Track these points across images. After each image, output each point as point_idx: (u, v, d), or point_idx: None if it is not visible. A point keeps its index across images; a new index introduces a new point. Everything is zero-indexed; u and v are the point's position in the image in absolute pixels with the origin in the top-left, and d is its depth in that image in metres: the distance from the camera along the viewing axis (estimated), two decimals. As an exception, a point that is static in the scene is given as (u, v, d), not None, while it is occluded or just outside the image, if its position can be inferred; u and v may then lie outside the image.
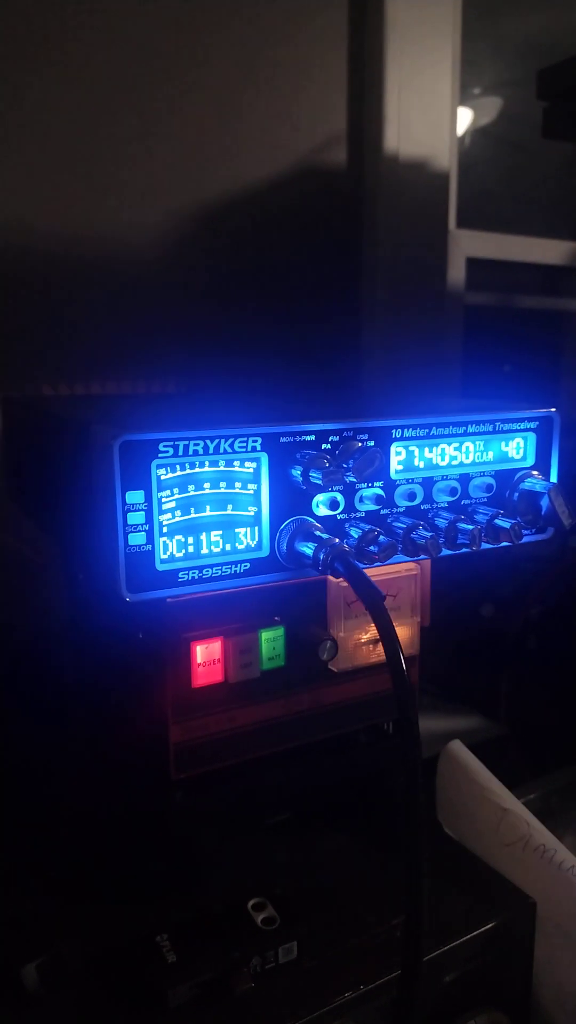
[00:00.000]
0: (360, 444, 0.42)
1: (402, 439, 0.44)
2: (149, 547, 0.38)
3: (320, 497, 0.42)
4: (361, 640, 0.48)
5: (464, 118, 1.06)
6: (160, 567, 0.39)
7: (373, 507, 0.44)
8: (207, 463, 0.39)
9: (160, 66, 0.76)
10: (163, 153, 0.77)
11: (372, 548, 0.41)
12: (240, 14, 0.79)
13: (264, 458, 0.40)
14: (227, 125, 0.80)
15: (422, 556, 0.44)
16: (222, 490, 0.40)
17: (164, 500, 0.38)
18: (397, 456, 0.44)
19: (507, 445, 0.48)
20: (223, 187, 0.81)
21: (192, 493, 0.39)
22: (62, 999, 0.41)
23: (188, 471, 0.39)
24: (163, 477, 0.38)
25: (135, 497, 0.37)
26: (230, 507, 0.40)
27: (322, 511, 0.42)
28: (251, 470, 0.40)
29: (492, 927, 0.46)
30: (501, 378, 1.09)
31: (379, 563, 0.42)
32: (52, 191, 0.72)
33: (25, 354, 0.73)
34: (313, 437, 0.41)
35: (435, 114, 0.91)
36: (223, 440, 0.39)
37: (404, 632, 0.50)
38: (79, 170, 0.73)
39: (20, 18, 0.69)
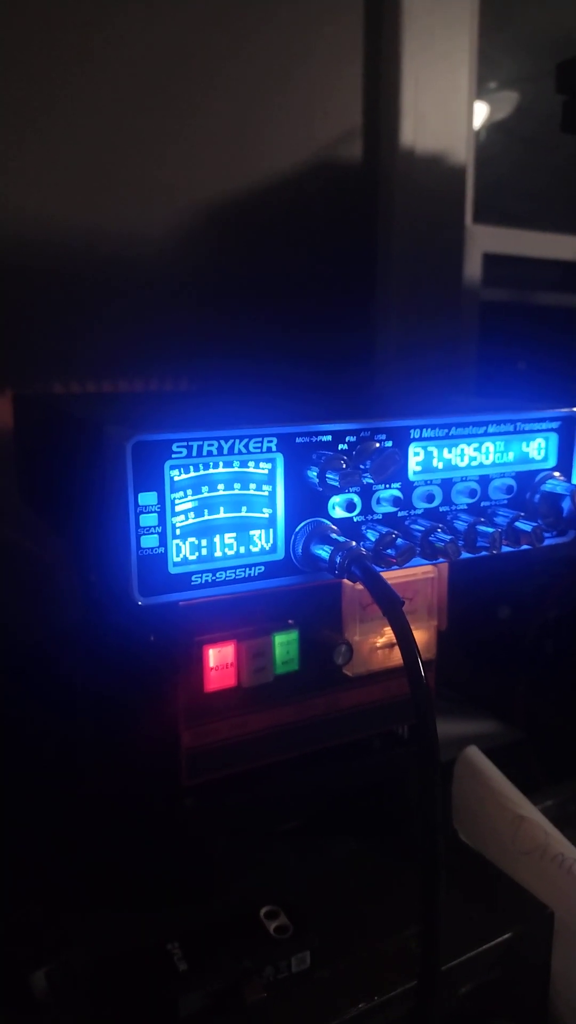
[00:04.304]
0: (378, 445, 0.41)
1: (420, 439, 0.43)
2: (162, 549, 0.37)
3: (336, 499, 0.41)
4: (376, 644, 0.47)
5: (480, 113, 1.05)
6: (173, 570, 0.38)
7: (391, 509, 0.43)
8: (221, 464, 0.38)
9: (176, 62, 0.75)
10: (178, 150, 0.76)
11: (390, 551, 0.41)
12: (256, 9, 0.78)
13: (279, 459, 0.40)
14: (242, 121, 0.79)
15: (440, 559, 0.43)
16: (236, 491, 0.39)
17: (177, 502, 0.37)
18: (415, 457, 0.43)
19: (528, 446, 0.47)
20: (237, 184, 0.80)
21: (206, 495, 0.38)
22: (71, 1007, 0.40)
23: (202, 472, 0.38)
24: (176, 478, 0.37)
25: (148, 499, 0.36)
26: (244, 509, 0.39)
27: (338, 513, 0.41)
28: (266, 471, 0.40)
29: (509, 938, 0.45)
30: (518, 376, 1.08)
31: (397, 567, 0.41)
32: (66, 188, 0.71)
33: (37, 351, 0.72)
34: (330, 437, 0.41)
35: (452, 108, 0.90)
36: (238, 440, 0.38)
37: (421, 636, 0.49)
38: (92, 167, 0.72)
39: (45, 15, 0.68)
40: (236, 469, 0.39)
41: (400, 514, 0.43)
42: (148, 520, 0.37)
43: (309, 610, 0.45)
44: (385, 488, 0.43)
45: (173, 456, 0.37)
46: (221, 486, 0.39)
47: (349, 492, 0.41)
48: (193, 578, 0.38)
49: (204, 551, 0.39)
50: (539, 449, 0.47)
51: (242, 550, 0.40)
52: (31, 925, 0.45)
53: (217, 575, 0.39)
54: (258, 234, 0.82)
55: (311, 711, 0.47)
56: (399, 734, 0.52)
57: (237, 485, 0.39)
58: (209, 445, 0.38)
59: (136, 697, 0.45)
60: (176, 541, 0.38)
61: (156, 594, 0.38)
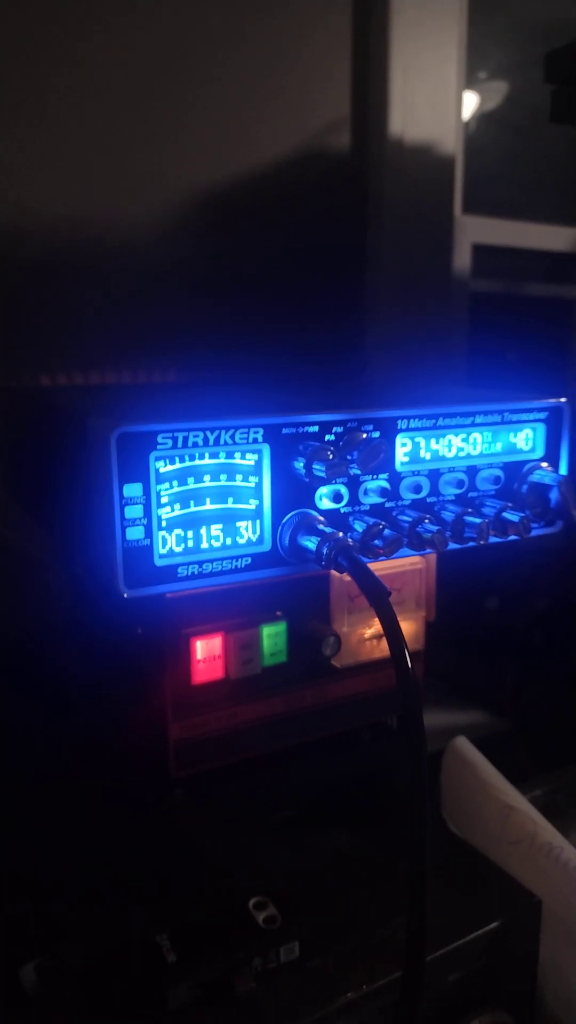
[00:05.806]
0: (365, 435, 0.41)
1: (408, 430, 0.43)
2: (147, 541, 0.37)
3: (323, 490, 0.41)
4: (365, 635, 0.47)
5: (470, 103, 1.05)
6: (159, 562, 0.38)
7: (378, 500, 0.43)
8: (207, 455, 0.38)
9: (165, 51, 0.74)
10: (163, 140, 0.76)
11: (377, 542, 0.40)
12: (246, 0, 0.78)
13: (266, 450, 0.39)
14: (230, 111, 0.78)
15: (428, 550, 0.43)
16: (222, 483, 0.39)
17: (163, 493, 0.37)
18: (403, 447, 0.43)
19: (516, 436, 0.47)
20: (223, 174, 0.79)
21: (192, 486, 0.38)
22: (61, 999, 0.40)
23: (187, 463, 0.38)
24: (162, 470, 0.37)
25: (133, 490, 0.36)
26: (231, 500, 0.39)
27: (325, 504, 0.41)
28: (252, 462, 0.39)
29: (497, 926, 0.46)
30: (508, 367, 1.08)
31: (384, 557, 0.41)
32: (52, 178, 0.71)
33: (22, 343, 0.72)
34: (316, 428, 0.40)
35: (440, 98, 0.89)
36: (223, 431, 0.38)
37: (409, 627, 0.49)
38: (79, 155, 0.72)
39: (39, 7, 0.68)
40: (222, 460, 0.39)
41: (387, 505, 0.43)
42: (133, 512, 0.36)
43: (297, 601, 0.45)
44: (372, 479, 0.42)
45: (158, 447, 0.37)
46: (207, 477, 0.38)
47: (336, 483, 0.41)
48: (179, 570, 0.38)
49: (190, 543, 0.38)
50: (527, 439, 0.47)
51: (228, 542, 0.40)
52: (20, 918, 0.45)
53: (203, 567, 0.39)
54: (246, 224, 0.81)
55: (299, 703, 0.47)
56: (388, 725, 0.52)
57: (223, 476, 0.39)
58: (195, 436, 0.37)
59: (124, 690, 0.45)
60: (162, 533, 0.38)
61: (142, 586, 0.37)
